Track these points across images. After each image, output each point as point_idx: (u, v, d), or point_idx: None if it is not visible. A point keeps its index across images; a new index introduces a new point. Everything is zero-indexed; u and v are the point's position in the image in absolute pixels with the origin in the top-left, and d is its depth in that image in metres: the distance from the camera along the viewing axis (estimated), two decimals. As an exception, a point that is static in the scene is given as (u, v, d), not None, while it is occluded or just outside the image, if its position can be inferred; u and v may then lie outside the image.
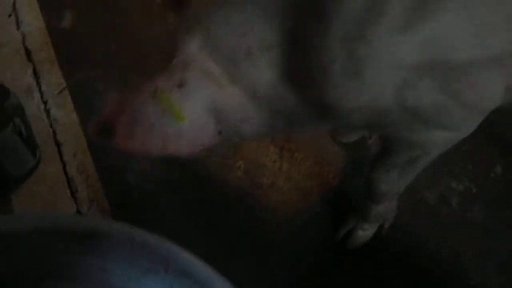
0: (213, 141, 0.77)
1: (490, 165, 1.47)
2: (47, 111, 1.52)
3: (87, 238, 0.57)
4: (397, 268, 1.26)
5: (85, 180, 1.34)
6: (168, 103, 0.70)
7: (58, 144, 1.43)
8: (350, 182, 1.38)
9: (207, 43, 0.73)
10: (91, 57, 1.73)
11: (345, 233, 1.25)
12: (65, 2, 1.97)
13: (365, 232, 1.22)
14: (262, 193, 1.37)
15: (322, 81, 0.73)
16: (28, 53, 1.71)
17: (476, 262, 1.23)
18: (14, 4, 1.91)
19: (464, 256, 1.25)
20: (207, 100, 0.73)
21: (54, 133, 1.46)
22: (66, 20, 1.89)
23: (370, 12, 0.67)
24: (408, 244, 1.29)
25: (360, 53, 0.69)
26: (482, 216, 1.33)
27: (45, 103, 1.55)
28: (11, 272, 0.57)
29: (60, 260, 0.57)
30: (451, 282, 1.21)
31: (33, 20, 1.86)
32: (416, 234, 1.30)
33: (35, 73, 1.64)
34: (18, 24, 1.83)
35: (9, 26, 1.80)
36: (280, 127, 0.85)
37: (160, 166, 1.39)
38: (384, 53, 0.69)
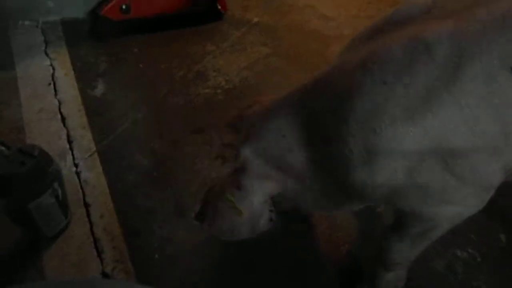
0: (268, 226, 1.05)
1: (493, 234, 1.54)
2: (78, 174, 1.65)
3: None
4: None
5: (110, 241, 1.42)
6: (231, 202, 1.00)
7: (86, 206, 1.53)
8: (361, 249, 1.45)
9: (258, 146, 0.99)
10: (120, 123, 1.90)
11: None
12: (98, 73, 2.18)
13: None
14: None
15: (345, 167, 0.89)
16: (63, 119, 1.88)
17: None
18: (53, 74, 2.12)
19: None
20: (261, 197, 0.99)
21: (84, 194, 1.57)
22: (99, 89, 2.09)
23: (376, 110, 0.83)
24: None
25: (372, 143, 0.84)
26: (487, 285, 1.38)
27: (76, 166, 1.68)
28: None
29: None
30: None
31: (69, 88, 2.06)
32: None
33: (69, 138, 1.80)
34: (55, 92, 2.02)
35: (48, 94, 1.99)
36: (324, 206, 1.08)
37: (180, 230, 1.48)
38: (390, 142, 0.83)
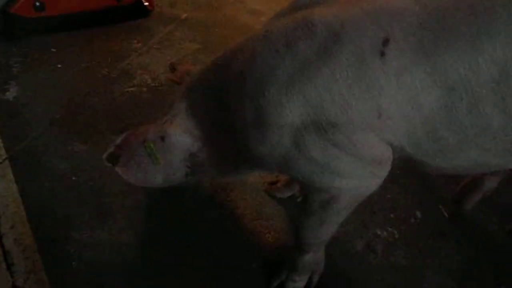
0: (182, 180, 1.13)
1: (410, 211, 1.63)
2: (-14, 183, 1.52)
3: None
4: None
5: (22, 251, 1.33)
6: (151, 150, 1.05)
7: (-5, 217, 1.42)
8: (284, 237, 1.48)
9: (189, 105, 1.08)
10: (35, 127, 1.78)
11: (277, 285, 1.31)
12: (10, 75, 2.04)
13: (296, 284, 1.29)
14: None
15: (242, 130, 0.98)
16: (-31, 126, 1.73)
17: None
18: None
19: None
20: (181, 152, 1.08)
21: (-8, 205, 1.46)
22: (11, 92, 1.95)
23: (268, 76, 0.90)
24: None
25: (261, 106, 0.91)
26: (405, 260, 1.46)
27: (-16, 175, 1.55)
28: None
29: None
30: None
31: (-24, 92, 1.90)
32: (345, 280, 1.39)
33: (-25, 145, 1.66)
34: (-41, 97, 1.85)
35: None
36: (228, 171, 1.19)
37: (100, 235, 1.42)
38: (277, 110, 0.90)
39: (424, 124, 0.85)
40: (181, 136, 1.08)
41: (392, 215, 1.61)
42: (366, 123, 0.87)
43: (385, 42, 0.82)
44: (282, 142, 0.92)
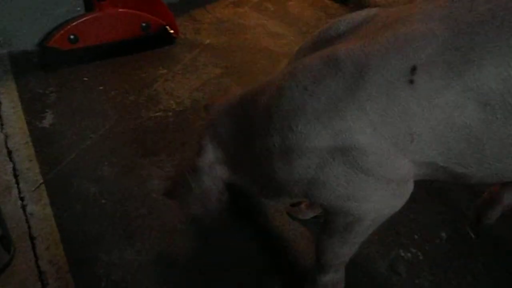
0: (216, 205, 1.20)
1: (435, 231, 1.60)
2: (24, 207, 1.63)
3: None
4: None
5: (55, 272, 1.41)
6: (187, 180, 1.17)
7: (32, 239, 1.51)
8: (306, 258, 1.49)
9: (215, 135, 1.16)
10: (68, 153, 1.89)
11: None
12: (47, 104, 2.18)
13: None
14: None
15: (269, 161, 1.03)
16: (9, 152, 1.86)
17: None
18: (-1, 106, 2.10)
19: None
20: (210, 178, 1.15)
21: (29, 228, 1.55)
22: (47, 120, 2.08)
23: (296, 111, 0.94)
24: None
25: (289, 140, 0.96)
26: (430, 283, 1.43)
27: (22, 199, 1.66)
28: None
29: None
30: None
31: (16, 121, 2.05)
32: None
33: (15, 171, 1.78)
34: (2, 125, 2.00)
35: (-7, 129, 1.97)
36: (265, 194, 1.21)
37: (128, 255, 1.48)
38: (304, 140, 0.94)
39: (460, 141, 0.87)
40: (209, 166, 1.15)
41: (416, 236, 1.59)
42: (397, 149, 0.90)
43: (413, 70, 0.85)
44: (308, 169, 0.97)
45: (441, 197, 1.73)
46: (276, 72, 1.09)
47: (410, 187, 1.04)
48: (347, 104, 0.89)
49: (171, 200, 1.26)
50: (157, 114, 2.16)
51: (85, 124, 2.07)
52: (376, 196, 0.99)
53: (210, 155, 1.14)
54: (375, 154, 0.91)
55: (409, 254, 1.52)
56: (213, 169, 1.14)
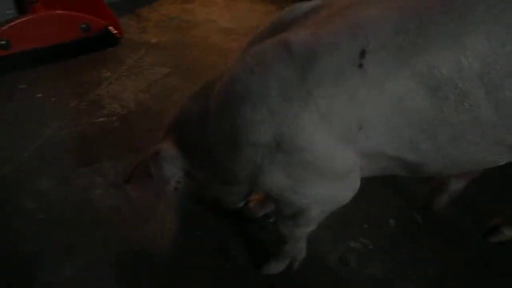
0: (172, 192, 1.20)
1: (383, 220, 1.62)
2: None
3: None
4: None
5: (-13, 297, 1.31)
6: (147, 165, 1.17)
7: (-39, 263, 1.40)
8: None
9: (178, 125, 1.17)
10: (1, 167, 1.77)
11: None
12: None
13: (277, 267, 1.38)
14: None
15: (219, 146, 1.02)
16: None
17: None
18: None
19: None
20: (171, 166, 1.15)
21: (-42, 251, 1.44)
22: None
23: (243, 96, 0.92)
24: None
25: (237, 127, 0.93)
26: (380, 271, 1.44)
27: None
28: None
29: None
30: None
31: None
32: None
33: None
34: None
35: None
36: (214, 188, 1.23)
37: (69, 271, 1.40)
38: (250, 129, 0.92)
39: (411, 127, 0.86)
40: (171, 151, 1.15)
41: (365, 226, 1.60)
42: (345, 138, 0.88)
43: (362, 54, 0.83)
44: (255, 157, 0.95)
45: (388, 184, 1.75)
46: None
47: (357, 180, 1.03)
48: (295, 90, 0.86)
49: (132, 187, 1.23)
50: (100, 119, 2.06)
51: (22, 135, 1.95)
52: (321, 189, 0.98)
53: (171, 144, 1.15)
54: (321, 143, 0.88)
55: (358, 244, 1.53)
56: (173, 158, 1.15)
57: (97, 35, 2.53)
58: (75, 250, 1.47)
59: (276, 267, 1.39)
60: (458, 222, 1.61)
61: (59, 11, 2.36)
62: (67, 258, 1.44)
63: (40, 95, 2.20)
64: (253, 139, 0.92)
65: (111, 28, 2.56)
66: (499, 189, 1.64)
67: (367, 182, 1.74)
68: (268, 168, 0.95)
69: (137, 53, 2.60)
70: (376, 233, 1.57)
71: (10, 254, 1.45)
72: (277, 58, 0.89)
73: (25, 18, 2.27)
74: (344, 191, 1.04)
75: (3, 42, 2.21)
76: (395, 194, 1.72)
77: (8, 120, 2.03)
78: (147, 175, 1.17)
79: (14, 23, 2.23)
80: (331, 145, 0.89)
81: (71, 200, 1.65)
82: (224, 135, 0.98)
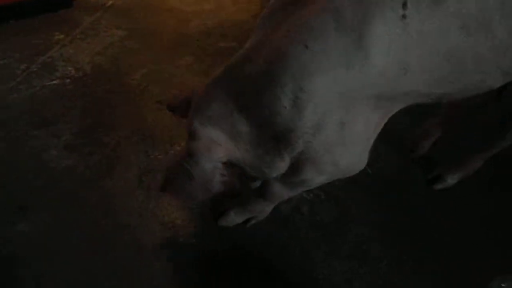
0: (221, 188, 1.15)
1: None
2: None
3: None
4: (254, 269, 1.37)
5: None
6: (185, 168, 1.10)
7: None
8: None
9: (204, 116, 1.07)
10: None
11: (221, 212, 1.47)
12: None
13: (235, 217, 1.45)
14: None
15: (275, 120, 1.01)
16: None
17: (323, 259, 1.39)
18: None
19: (314, 255, 1.40)
20: (209, 161, 1.09)
21: None
22: None
23: (301, 70, 0.95)
24: (265, 250, 1.42)
25: (301, 98, 0.96)
26: (329, 217, 1.52)
27: None
28: None
29: None
30: (302, 279, 1.35)
31: None
32: (272, 243, 1.44)
33: None
34: None
35: None
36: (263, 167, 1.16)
37: (21, 229, 1.39)
38: (315, 96, 0.95)
39: (446, 65, 0.95)
40: (206, 148, 1.08)
41: (318, 177, 1.66)
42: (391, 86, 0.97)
43: (404, 5, 0.89)
44: (317, 120, 0.99)
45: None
46: (253, 39, 1.06)
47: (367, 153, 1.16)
48: (353, 55, 0.91)
49: (169, 194, 1.20)
50: (52, 82, 2.01)
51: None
52: (349, 156, 1.09)
53: (204, 137, 1.07)
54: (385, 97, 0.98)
55: (311, 195, 1.60)
56: (210, 150, 1.08)
57: (49, -5, 2.42)
58: (29, 208, 1.46)
59: (233, 221, 1.45)
60: (407, 171, 1.70)
61: (5, -31, 2.23)
62: (21, 215, 1.44)
63: (-14, 58, 2.11)
64: (318, 106, 0.96)
65: (63, -11, 2.45)
66: (445, 142, 1.74)
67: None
68: (325, 130, 1.00)
69: (93, 16, 2.51)
70: (328, 184, 1.64)
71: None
72: (329, 28, 0.91)
73: (-34, -24, 2.13)
74: (360, 159, 1.15)
75: None
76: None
77: (-46, 84, 1.94)
78: (186, 179, 1.12)
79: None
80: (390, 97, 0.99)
81: (24, 162, 1.62)
82: (285, 111, 0.98)
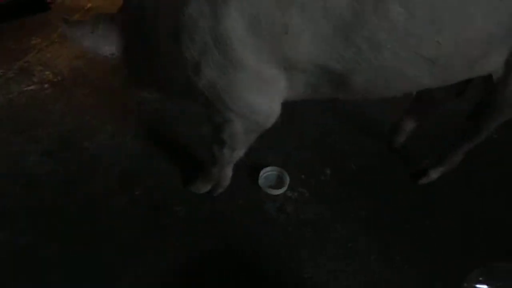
0: (102, 56, 1.21)
1: (320, 169, 1.69)
2: None
3: None
4: (241, 269, 1.34)
5: None
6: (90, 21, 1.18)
7: None
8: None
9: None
10: None
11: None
12: None
13: (201, 186, 1.55)
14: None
15: (160, 44, 1.03)
16: None
17: (309, 257, 1.38)
18: None
19: (301, 254, 1.40)
20: (107, 40, 1.17)
21: None
22: None
23: None
24: (252, 251, 1.40)
25: (180, 22, 0.94)
26: (315, 216, 1.51)
27: None
28: None
29: None
30: (289, 277, 1.33)
31: None
32: (260, 242, 1.43)
33: None
34: None
35: None
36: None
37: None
38: (193, 21, 0.93)
39: (334, 33, 0.90)
40: (112, 25, 1.15)
41: (302, 176, 1.66)
42: (272, 43, 0.92)
43: None
44: (194, 53, 0.97)
45: (325, 137, 1.81)
46: None
47: (279, 104, 1.09)
48: None
49: (67, 29, 1.22)
50: (30, 87, 1.96)
51: None
52: (247, 95, 1.04)
53: (109, 19, 1.16)
54: (250, 45, 0.92)
55: (296, 194, 1.59)
56: (110, 27, 1.16)
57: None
58: (6, 217, 1.42)
59: (200, 187, 1.55)
60: (391, 166, 1.71)
61: (-23, -27, 2.18)
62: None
63: (-39, 64, 2.05)
64: (195, 33, 0.94)
65: (39, -8, 2.40)
66: (429, 138, 1.75)
67: (306, 135, 1.82)
68: (204, 65, 0.98)
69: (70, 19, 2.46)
70: (313, 182, 1.64)
71: None
72: None
73: None
74: (266, 107, 1.09)
75: None
76: (331, 145, 1.79)
77: None
78: (90, 30, 1.18)
79: None
80: (261, 46, 0.93)
81: (3, 168, 1.58)
82: (166, 33, 0.99)
